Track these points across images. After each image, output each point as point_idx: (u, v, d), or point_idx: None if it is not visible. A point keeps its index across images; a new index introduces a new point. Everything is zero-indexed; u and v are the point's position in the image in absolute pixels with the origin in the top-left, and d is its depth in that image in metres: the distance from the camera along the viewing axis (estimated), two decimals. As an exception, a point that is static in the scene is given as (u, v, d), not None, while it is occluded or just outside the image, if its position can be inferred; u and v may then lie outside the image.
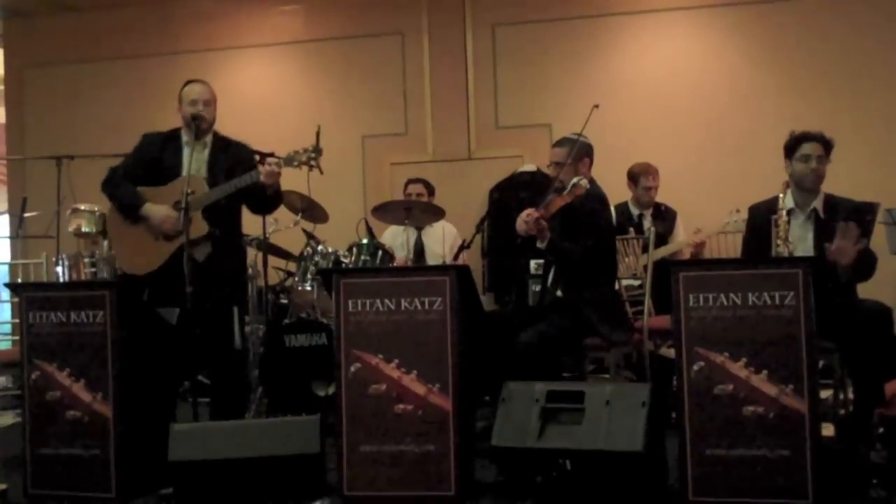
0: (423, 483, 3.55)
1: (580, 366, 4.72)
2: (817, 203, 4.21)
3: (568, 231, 4.36)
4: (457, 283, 3.63)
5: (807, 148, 4.19)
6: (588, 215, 4.39)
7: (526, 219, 4.26)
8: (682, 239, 6.03)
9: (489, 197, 6.97)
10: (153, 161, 4.45)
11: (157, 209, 4.34)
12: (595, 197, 4.47)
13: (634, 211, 6.15)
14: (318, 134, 4.33)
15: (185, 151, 4.41)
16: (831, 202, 4.22)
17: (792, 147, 4.23)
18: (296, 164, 4.34)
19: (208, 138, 4.48)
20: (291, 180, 4.86)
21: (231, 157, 4.46)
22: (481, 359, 4.01)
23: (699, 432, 3.36)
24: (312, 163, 4.34)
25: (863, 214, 4.37)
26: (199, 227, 4.27)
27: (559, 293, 4.37)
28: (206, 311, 4.25)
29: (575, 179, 4.36)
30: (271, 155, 4.54)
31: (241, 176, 4.30)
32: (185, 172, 4.29)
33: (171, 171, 4.40)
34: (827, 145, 4.21)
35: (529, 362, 4.03)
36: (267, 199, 4.45)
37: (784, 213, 4.06)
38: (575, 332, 4.32)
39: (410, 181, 6.42)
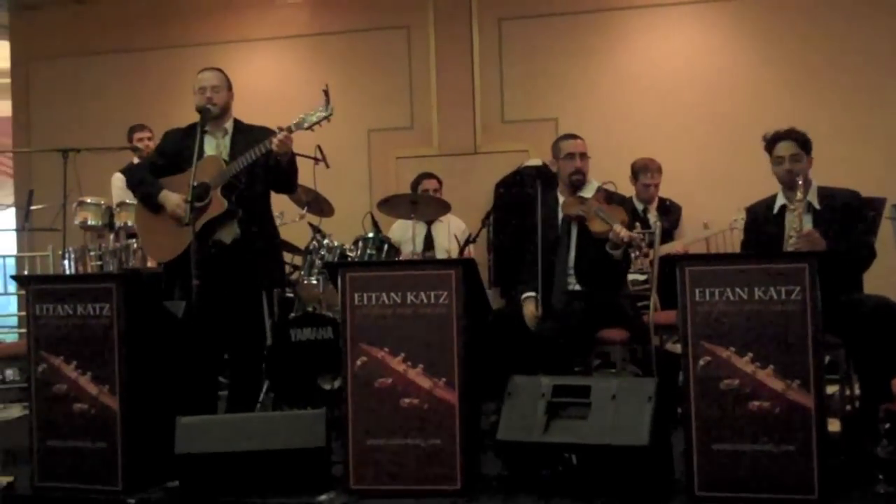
0: (429, 477, 3.55)
1: (587, 360, 4.72)
2: (811, 196, 4.18)
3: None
4: (463, 276, 3.63)
5: (780, 149, 4.18)
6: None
7: (628, 238, 4.25)
8: (666, 245, 5.91)
9: (495, 191, 6.95)
10: (175, 153, 4.43)
11: (171, 197, 4.32)
12: (629, 204, 4.64)
13: (639, 206, 6.13)
14: (326, 93, 4.32)
15: (206, 140, 4.37)
16: (826, 193, 4.19)
17: (768, 149, 4.23)
18: (307, 125, 4.32)
19: (228, 125, 4.49)
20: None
21: (252, 140, 4.40)
22: (488, 353, 4.02)
23: (705, 427, 3.35)
24: (325, 121, 4.33)
25: (868, 209, 4.36)
26: (219, 204, 4.26)
27: (576, 287, 4.45)
28: (231, 296, 4.27)
29: (597, 183, 4.54)
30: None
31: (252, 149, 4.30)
32: (196, 159, 4.20)
33: (191, 160, 4.32)
34: (801, 141, 4.17)
35: (549, 351, 4.08)
36: (282, 171, 4.42)
37: (799, 206, 4.04)
38: (591, 324, 4.37)
39: (425, 176, 6.33)
